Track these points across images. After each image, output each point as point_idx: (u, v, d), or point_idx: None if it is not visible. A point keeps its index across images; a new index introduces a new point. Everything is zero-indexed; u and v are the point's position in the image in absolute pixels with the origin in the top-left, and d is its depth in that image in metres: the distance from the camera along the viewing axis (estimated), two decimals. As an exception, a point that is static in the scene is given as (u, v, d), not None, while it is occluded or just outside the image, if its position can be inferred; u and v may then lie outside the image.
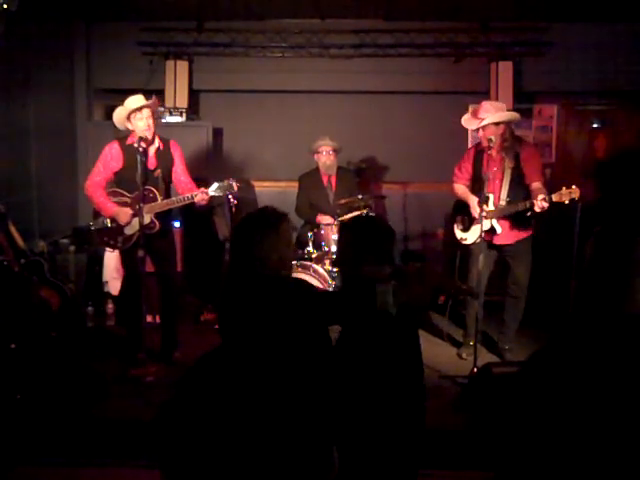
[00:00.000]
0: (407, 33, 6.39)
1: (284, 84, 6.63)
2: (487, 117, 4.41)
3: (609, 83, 6.31)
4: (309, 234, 5.36)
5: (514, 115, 4.57)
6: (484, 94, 6.26)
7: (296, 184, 5.85)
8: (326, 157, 5.63)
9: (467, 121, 4.62)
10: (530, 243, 4.62)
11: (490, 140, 4.33)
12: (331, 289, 5.11)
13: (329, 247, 5.31)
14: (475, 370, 4.18)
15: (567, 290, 4.93)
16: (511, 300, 4.68)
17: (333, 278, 5.33)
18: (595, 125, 6.67)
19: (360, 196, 5.36)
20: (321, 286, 4.98)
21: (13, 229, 4.82)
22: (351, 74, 6.51)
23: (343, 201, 5.45)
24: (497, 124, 4.41)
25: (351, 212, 5.64)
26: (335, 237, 5.31)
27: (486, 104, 4.53)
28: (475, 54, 6.41)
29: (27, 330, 4.62)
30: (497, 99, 6.23)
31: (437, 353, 4.93)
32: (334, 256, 5.32)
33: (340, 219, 5.27)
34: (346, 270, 2.50)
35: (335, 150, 5.65)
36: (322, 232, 5.35)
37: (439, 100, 6.57)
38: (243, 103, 6.84)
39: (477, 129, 4.51)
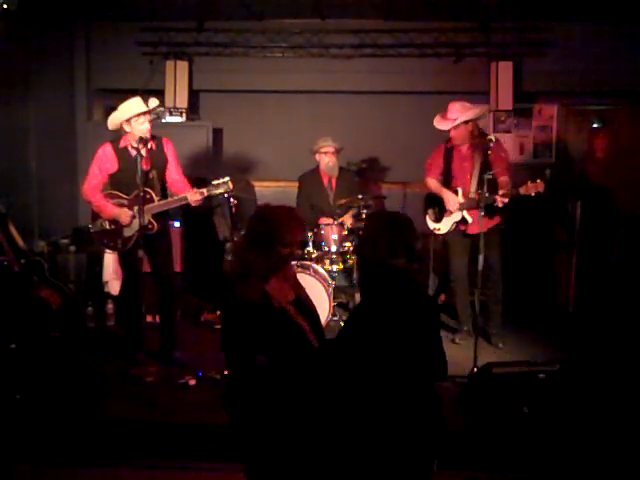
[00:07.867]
0: (407, 33, 6.39)
1: (284, 84, 6.62)
2: (458, 117, 4.73)
3: (609, 83, 6.31)
4: (309, 234, 5.35)
5: (483, 109, 4.95)
6: (484, 94, 6.26)
7: (296, 184, 5.84)
8: (329, 158, 5.62)
9: (439, 123, 4.90)
10: (500, 232, 4.91)
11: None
12: (331, 288, 5.11)
13: (329, 247, 5.31)
14: (475, 370, 4.19)
15: (566, 289, 4.94)
16: (490, 286, 4.90)
17: (333, 278, 5.33)
18: (595, 125, 6.67)
19: (360, 196, 5.36)
20: (321, 286, 4.98)
21: (13, 229, 4.82)
22: (351, 74, 6.50)
23: (343, 201, 5.44)
24: (467, 122, 4.78)
25: (351, 212, 5.64)
26: (335, 237, 5.31)
27: (454, 105, 4.84)
28: (475, 54, 6.40)
29: (27, 330, 4.62)
30: (497, 99, 6.26)
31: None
32: (334, 256, 5.32)
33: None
34: (371, 259, 2.52)
35: (337, 151, 5.65)
36: (322, 232, 5.34)
37: (439, 100, 6.53)
38: (243, 103, 6.83)
39: (449, 129, 4.83)
